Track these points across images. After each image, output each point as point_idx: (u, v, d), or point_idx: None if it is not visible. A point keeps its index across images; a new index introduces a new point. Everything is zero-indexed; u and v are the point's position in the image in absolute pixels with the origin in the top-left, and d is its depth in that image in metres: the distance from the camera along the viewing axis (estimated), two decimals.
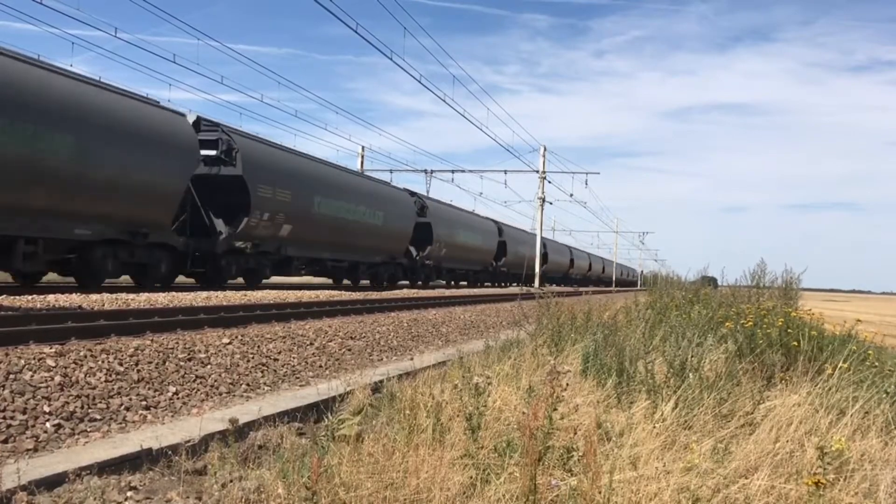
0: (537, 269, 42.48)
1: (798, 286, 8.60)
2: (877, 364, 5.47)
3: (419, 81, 23.48)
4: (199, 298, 13.92)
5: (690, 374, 4.98)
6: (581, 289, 38.09)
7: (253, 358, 8.37)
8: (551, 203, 48.81)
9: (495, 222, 45.46)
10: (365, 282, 29.73)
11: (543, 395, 3.72)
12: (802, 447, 3.76)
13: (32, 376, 5.82)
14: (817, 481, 2.97)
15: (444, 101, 25.26)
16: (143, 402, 6.12)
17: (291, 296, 17.37)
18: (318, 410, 6.50)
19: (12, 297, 11.26)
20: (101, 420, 5.55)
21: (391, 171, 40.29)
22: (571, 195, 46.34)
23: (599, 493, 3.04)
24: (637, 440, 3.83)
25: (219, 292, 16.12)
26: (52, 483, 4.07)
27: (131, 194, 15.84)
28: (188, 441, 4.96)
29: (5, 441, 4.78)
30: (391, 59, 19.73)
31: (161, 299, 12.90)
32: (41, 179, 13.65)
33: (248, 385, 7.50)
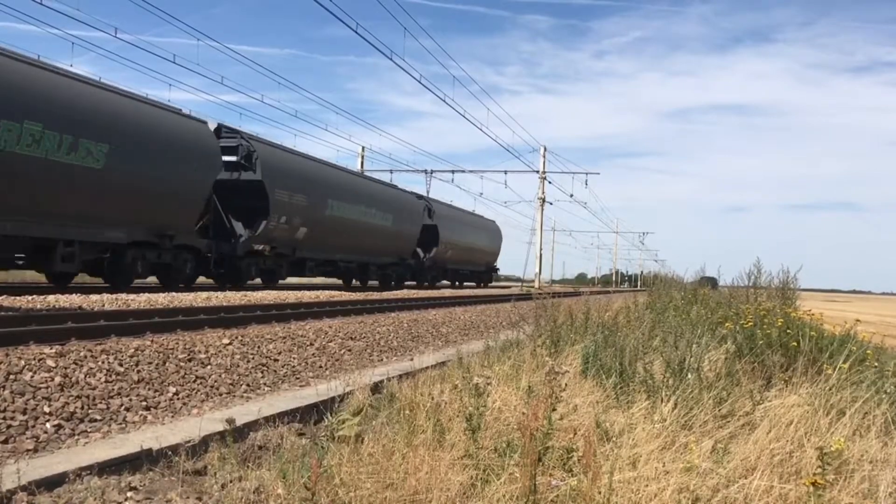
0: (538, 269, 42.52)
1: (795, 286, 8.59)
2: (876, 364, 5.47)
3: (419, 82, 23.71)
4: (200, 299, 13.93)
5: (689, 375, 4.99)
6: (582, 289, 38.13)
7: (253, 358, 8.37)
8: (551, 203, 48.84)
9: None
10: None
11: (543, 396, 3.72)
12: (802, 447, 3.76)
13: (33, 377, 5.83)
14: (816, 481, 2.98)
15: (444, 101, 25.31)
16: (144, 403, 6.12)
17: (291, 296, 17.36)
18: (318, 411, 6.50)
19: (12, 298, 11.26)
20: (101, 420, 5.55)
21: (391, 172, 40.39)
22: (571, 195, 46.46)
23: (599, 493, 3.05)
24: (637, 440, 3.83)
25: (219, 293, 16.14)
26: (52, 483, 4.07)
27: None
28: (188, 441, 4.96)
29: (5, 441, 4.79)
30: (391, 59, 19.80)
31: (161, 300, 12.91)
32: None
33: (248, 385, 7.50)
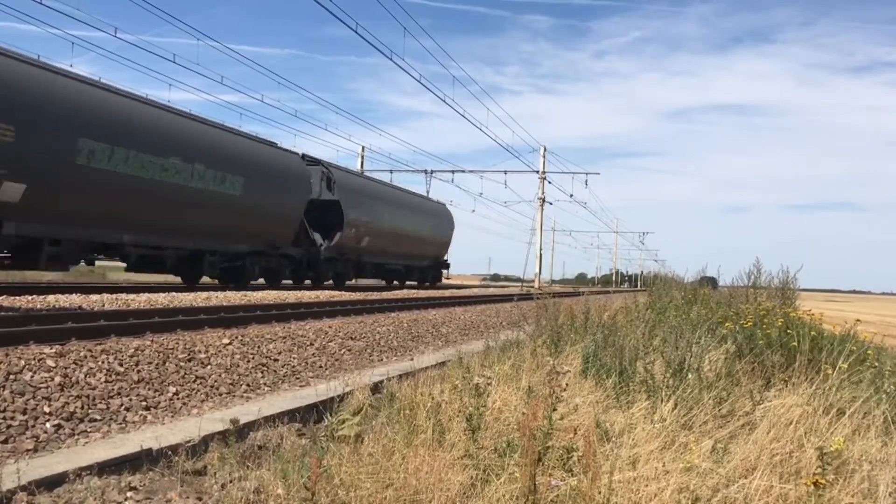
0: (537, 269, 42.50)
1: (795, 286, 8.59)
2: (876, 364, 5.47)
3: (419, 82, 23.60)
4: (199, 299, 13.99)
5: (689, 375, 4.99)
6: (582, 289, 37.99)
7: (253, 358, 8.37)
8: (551, 203, 48.81)
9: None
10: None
11: (543, 396, 3.72)
12: (802, 447, 3.76)
13: (32, 377, 5.83)
14: (816, 481, 2.98)
15: (444, 101, 25.32)
16: (143, 403, 6.12)
17: (291, 296, 17.41)
18: (318, 411, 6.50)
19: (12, 298, 11.27)
20: (101, 420, 5.55)
21: (391, 172, 40.10)
22: (571, 195, 46.41)
23: (599, 493, 3.05)
24: (636, 440, 3.83)
25: (219, 293, 16.17)
26: (52, 483, 4.07)
27: None
28: (188, 441, 4.96)
29: (5, 441, 4.79)
30: (391, 59, 19.78)
31: (161, 300, 12.94)
32: None
33: (248, 385, 7.50)
